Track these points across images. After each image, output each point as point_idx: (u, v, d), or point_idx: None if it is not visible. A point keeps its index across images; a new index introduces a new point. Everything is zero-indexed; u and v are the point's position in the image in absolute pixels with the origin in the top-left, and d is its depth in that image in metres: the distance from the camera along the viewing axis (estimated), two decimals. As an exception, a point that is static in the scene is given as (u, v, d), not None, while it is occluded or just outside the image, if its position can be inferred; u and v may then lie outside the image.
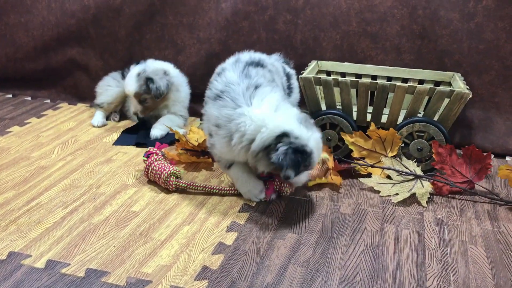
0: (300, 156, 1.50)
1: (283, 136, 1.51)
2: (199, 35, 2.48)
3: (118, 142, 2.22)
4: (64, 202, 1.71)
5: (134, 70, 2.26)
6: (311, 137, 1.54)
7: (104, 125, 2.42)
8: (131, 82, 2.24)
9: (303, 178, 1.69)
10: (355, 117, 2.06)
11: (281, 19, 2.33)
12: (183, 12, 2.47)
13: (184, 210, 1.68)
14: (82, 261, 1.41)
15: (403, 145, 1.98)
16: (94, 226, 1.58)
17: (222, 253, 1.45)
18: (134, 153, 2.12)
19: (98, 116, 2.44)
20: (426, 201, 1.75)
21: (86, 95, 2.70)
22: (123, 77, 2.41)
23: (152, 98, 2.26)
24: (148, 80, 2.22)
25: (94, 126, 2.40)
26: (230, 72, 1.72)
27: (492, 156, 2.20)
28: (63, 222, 1.59)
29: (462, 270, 1.41)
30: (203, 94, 2.33)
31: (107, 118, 2.48)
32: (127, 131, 2.34)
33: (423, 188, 1.79)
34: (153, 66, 2.29)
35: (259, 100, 1.59)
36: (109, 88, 2.44)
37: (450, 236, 1.57)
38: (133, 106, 2.31)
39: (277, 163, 1.49)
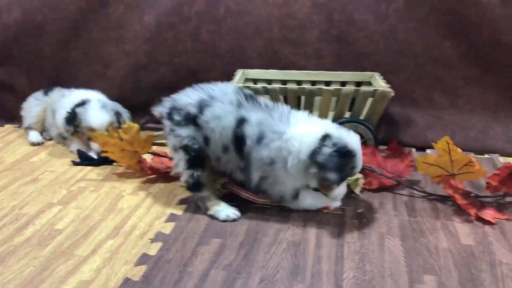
0: (344, 160, 1.54)
1: (325, 138, 1.55)
2: (125, 48, 2.48)
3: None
4: (-16, 225, 1.66)
5: (94, 103, 2.18)
6: (351, 138, 1.58)
7: (42, 142, 2.41)
8: (102, 115, 2.16)
9: (341, 190, 1.66)
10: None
11: (204, 29, 2.37)
12: (108, 26, 2.46)
13: (109, 225, 1.67)
14: None
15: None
16: (15, 247, 1.54)
17: (145, 264, 1.45)
18: (61, 171, 2.09)
19: (34, 133, 2.42)
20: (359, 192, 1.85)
21: (13, 116, 2.63)
22: (46, 94, 2.40)
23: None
24: (116, 112, 2.21)
25: (33, 143, 2.38)
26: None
27: (414, 150, 2.32)
28: (-19, 246, 1.55)
29: (377, 260, 1.47)
30: (132, 107, 2.37)
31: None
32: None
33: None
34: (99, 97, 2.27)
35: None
36: (31, 109, 2.43)
37: (369, 229, 1.64)
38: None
39: (321, 163, 1.53)
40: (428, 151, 2.29)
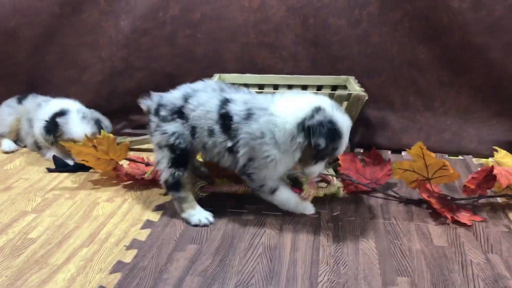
0: (333, 131, 1.53)
1: (319, 109, 1.55)
2: (101, 54, 2.46)
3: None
4: (-45, 236, 1.63)
5: (74, 114, 2.16)
6: (344, 121, 1.58)
7: (16, 150, 2.38)
8: (83, 127, 2.14)
9: (317, 169, 1.63)
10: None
11: (180, 34, 2.37)
12: (83, 32, 2.44)
13: (84, 232, 1.66)
14: (-29, 295, 1.35)
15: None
16: (-14, 258, 1.52)
17: (120, 271, 1.44)
18: (36, 179, 2.06)
19: (7, 142, 2.39)
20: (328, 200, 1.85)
21: (-13, 122, 2.60)
22: (19, 102, 2.37)
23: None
24: (97, 121, 2.20)
25: (6, 152, 2.35)
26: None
27: (389, 152, 2.35)
28: (-48, 257, 1.52)
29: (352, 263, 1.48)
30: (109, 112, 2.36)
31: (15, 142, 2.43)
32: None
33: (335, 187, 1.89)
34: (78, 106, 2.24)
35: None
36: (4, 118, 2.40)
37: (344, 232, 1.65)
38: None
39: (310, 128, 1.51)
40: (403, 153, 2.32)
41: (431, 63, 2.28)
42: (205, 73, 2.35)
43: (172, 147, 1.68)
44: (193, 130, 1.67)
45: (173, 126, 1.67)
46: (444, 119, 2.34)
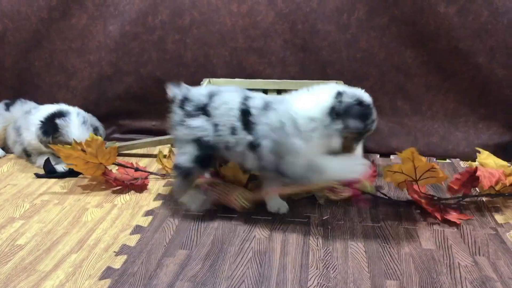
0: (364, 109, 1.54)
1: (340, 94, 1.55)
2: (89, 58, 2.45)
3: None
4: None
5: (75, 117, 2.14)
6: (365, 95, 1.59)
7: (3, 156, 2.36)
8: (83, 131, 2.13)
9: (360, 150, 1.65)
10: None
11: (169, 39, 2.37)
12: (71, 36, 2.44)
13: (72, 238, 1.65)
14: (-42, 303, 1.34)
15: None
16: (-27, 265, 1.50)
17: (109, 277, 1.44)
18: (24, 184, 2.05)
19: None
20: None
21: (-26, 127, 2.57)
22: (7, 109, 2.35)
23: None
24: (95, 128, 2.21)
25: None
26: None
27: (378, 156, 2.37)
28: None
29: (341, 267, 1.49)
30: (98, 117, 2.35)
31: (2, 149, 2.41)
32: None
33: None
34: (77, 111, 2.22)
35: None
36: None
37: (333, 235, 1.66)
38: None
39: (345, 113, 1.52)
40: (392, 157, 2.34)
41: (419, 67, 2.30)
42: (194, 78, 2.35)
43: (198, 143, 1.70)
44: (216, 127, 1.69)
45: (197, 122, 1.70)
46: (432, 123, 2.37)
